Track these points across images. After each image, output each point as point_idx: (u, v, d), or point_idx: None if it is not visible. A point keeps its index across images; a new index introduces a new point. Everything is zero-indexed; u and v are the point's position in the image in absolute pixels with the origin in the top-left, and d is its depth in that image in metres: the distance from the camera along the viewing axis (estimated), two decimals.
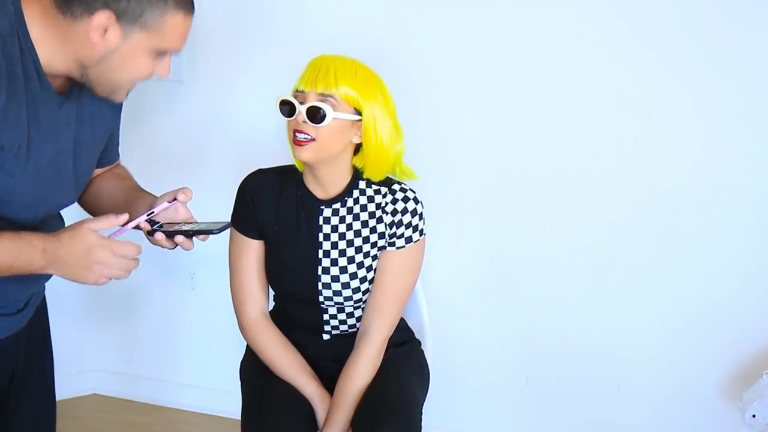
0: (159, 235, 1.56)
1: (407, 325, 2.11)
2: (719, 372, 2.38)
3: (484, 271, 2.52)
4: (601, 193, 2.35)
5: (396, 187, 1.92)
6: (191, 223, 1.60)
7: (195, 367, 2.94)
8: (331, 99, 1.78)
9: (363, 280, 1.91)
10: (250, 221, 1.92)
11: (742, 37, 2.14)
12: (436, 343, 2.22)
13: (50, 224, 1.59)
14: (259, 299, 1.97)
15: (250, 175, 1.97)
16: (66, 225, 1.64)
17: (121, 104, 1.71)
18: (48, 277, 1.65)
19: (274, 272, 1.95)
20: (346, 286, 1.90)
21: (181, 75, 2.63)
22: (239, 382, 2.05)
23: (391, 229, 1.89)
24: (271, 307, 2.08)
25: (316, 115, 1.77)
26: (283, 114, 1.82)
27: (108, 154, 1.74)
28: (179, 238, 1.55)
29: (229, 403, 2.52)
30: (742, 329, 2.33)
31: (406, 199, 1.90)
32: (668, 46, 2.20)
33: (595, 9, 2.23)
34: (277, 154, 2.10)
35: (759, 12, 2.12)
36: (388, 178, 1.93)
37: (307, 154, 1.80)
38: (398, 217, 1.89)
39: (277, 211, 1.92)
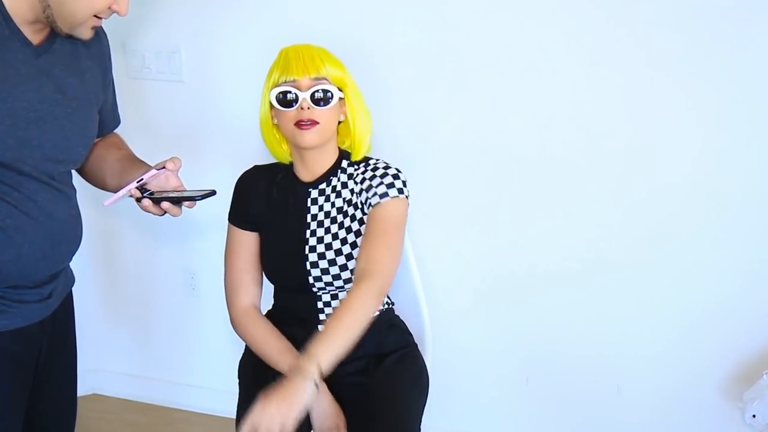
0: (146, 202, 1.63)
1: (406, 327, 2.11)
2: (719, 372, 2.38)
3: (484, 273, 2.52)
4: (599, 194, 2.35)
5: (372, 161, 1.96)
6: (180, 190, 1.67)
7: (195, 367, 2.95)
8: (325, 81, 1.85)
9: (349, 257, 1.92)
10: (243, 214, 1.98)
11: (738, 35, 2.14)
12: (436, 344, 2.22)
13: (47, 190, 1.61)
14: (251, 291, 2.00)
15: (245, 171, 2.04)
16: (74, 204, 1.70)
17: (110, 66, 1.78)
18: (71, 255, 1.71)
19: (267, 261, 1.99)
20: (332, 263, 1.91)
21: (181, 75, 2.64)
22: (237, 382, 2.05)
23: (361, 193, 1.91)
24: (270, 306, 2.09)
25: (323, 98, 1.84)
26: (281, 105, 1.86)
27: (104, 121, 1.80)
28: (165, 204, 1.63)
29: (230, 403, 2.51)
30: (742, 329, 2.33)
31: (375, 168, 1.93)
32: (663, 44, 2.19)
33: (587, 6, 2.23)
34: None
35: (755, 10, 2.12)
36: (365, 156, 1.99)
37: (313, 137, 1.86)
38: (367, 182, 1.91)
39: (267, 200, 1.97)
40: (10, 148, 1.52)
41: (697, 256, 2.32)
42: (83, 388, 2.94)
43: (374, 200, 1.89)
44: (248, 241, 1.99)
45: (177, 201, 1.63)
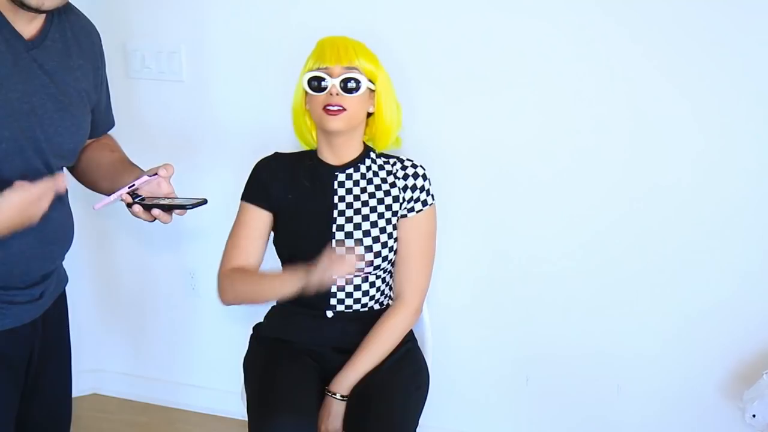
0: (137, 207, 1.62)
1: None
2: (719, 372, 2.38)
3: (485, 272, 2.52)
4: (600, 193, 2.36)
5: (403, 158, 2.06)
6: (171, 198, 1.66)
7: (195, 367, 2.95)
8: (356, 71, 1.92)
9: (376, 239, 1.96)
10: (261, 193, 2.01)
11: (739, 37, 2.14)
12: (436, 343, 2.22)
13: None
14: (244, 260, 1.99)
15: (267, 156, 2.08)
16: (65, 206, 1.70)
17: (103, 66, 1.78)
18: (63, 254, 1.72)
19: (287, 242, 2.01)
20: (359, 242, 1.95)
21: (181, 75, 2.64)
22: (242, 377, 2.05)
23: (405, 192, 2.01)
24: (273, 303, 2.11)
25: (351, 86, 1.91)
26: (312, 90, 1.93)
27: (97, 122, 1.79)
28: (156, 211, 1.61)
29: (230, 402, 2.53)
30: (742, 329, 2.33)
31: (414, 166, 2.04)
32: (665, 47, 2.20)
33: (593, 9, 2.23)
34: (273, 148, 2.12)
35: (756, 11, 2.12)
36: (393, 154, 2.07)
37: (339, 123, 1.92)
38: (411, 181, 2.02)
39: (291, 183, 2.01)
40: (5, 140, 1.52)
41: (697, 257, 2.32)
42: (83, 388, 2.95)
43: (417, 206, 2.01)
44: (260, 218, 2.01)
45: (168, 208, 1.62)
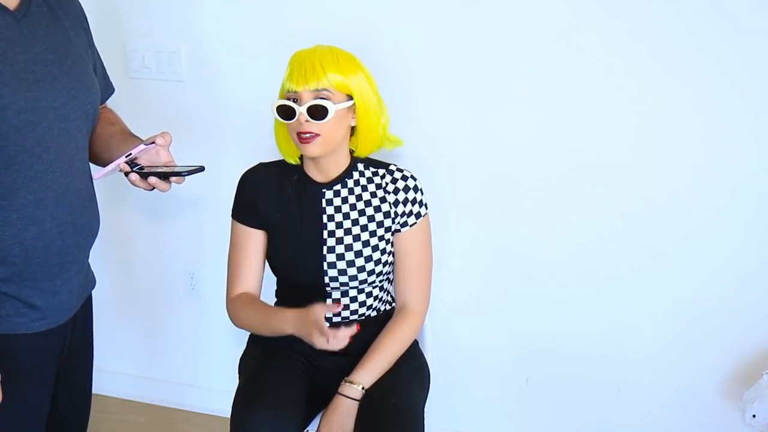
0: (133, 176, 1.64)
1: None
2: (719, 372, 2.38)
3: (485, 271, 2.52)
4: (602, 193, 2.35)
5: (392, 167, 1.99)
6: (169, 165, 1.67)
7: (195, 367, 2.95)
8: (326, 92, 1.83)
9: (368, 259, 1.93)
10: (250, 212, 1.97)
11: (741, 38, 2.14)
12: (436, 343, 2.22)
13: (63, 161, 1.60)
14: (247, 283, 2.00)
15: (250, 168, 2.03)
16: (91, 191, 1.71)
17: (89, 28, 1.77)
18: (93, 232, 1.74)
19: (278, 260, 1.99)
20: (351, 264, 1.93)
21: (181, 75, 2.64)
22: (238, 377, 2.06)
23: (396, 206, 1.95)
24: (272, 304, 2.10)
25: (318, 113, 1.81)
26: (282, 118, 1.85)
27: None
28: (153, 179, 1.63)
29: (230, 403, 2.52)
30: (742, 329, 2.33)
31: (405, 177, 1.97)
32: (667, 48, 2.20)
33: (593, 9, 2.23)
34: (274, 148, 2.11)
35: (759, 11, 2.12)
36: (382, 161, 2.00)
37: (315, 149, 1.85)
38: (402, 195, 1.96)
39: (278, 199, 1.96)
40: (24, 111, 1.52)
41: (697, 257, 2.32)
42: None
43: (411, 220, 1.96)
44: (253, 237, 1.98)
45: (165, 176, 1.63)
